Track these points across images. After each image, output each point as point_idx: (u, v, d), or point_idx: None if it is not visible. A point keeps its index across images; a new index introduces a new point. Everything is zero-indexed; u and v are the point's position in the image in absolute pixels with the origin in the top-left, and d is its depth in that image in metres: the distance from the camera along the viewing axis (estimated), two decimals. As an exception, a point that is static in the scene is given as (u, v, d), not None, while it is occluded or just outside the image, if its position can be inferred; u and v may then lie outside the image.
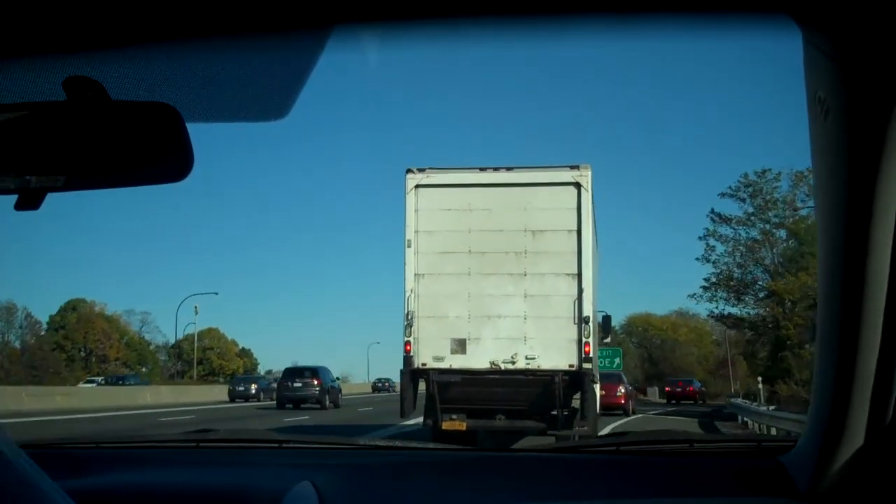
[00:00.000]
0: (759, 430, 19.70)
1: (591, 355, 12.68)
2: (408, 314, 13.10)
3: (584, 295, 12.67)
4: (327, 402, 31.87)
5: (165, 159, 1.36)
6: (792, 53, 1.26)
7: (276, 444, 2.38)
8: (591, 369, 12.75)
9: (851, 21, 1.07)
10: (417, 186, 13.24)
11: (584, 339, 12.60)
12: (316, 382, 31.95)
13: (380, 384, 70.06)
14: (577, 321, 12.66)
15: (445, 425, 12.69)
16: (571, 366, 12.59)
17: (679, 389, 40.64)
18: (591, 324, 12.75)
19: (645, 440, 2.35)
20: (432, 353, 12.98)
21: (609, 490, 1.90)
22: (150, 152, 1.35)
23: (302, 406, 31.54)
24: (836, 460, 1.47)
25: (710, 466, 2.03)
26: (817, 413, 1.53)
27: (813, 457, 1.56)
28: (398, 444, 2.51)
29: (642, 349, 74.44)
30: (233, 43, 1.15)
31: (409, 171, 13.37)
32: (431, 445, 2.52)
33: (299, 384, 31.86)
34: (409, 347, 13.01)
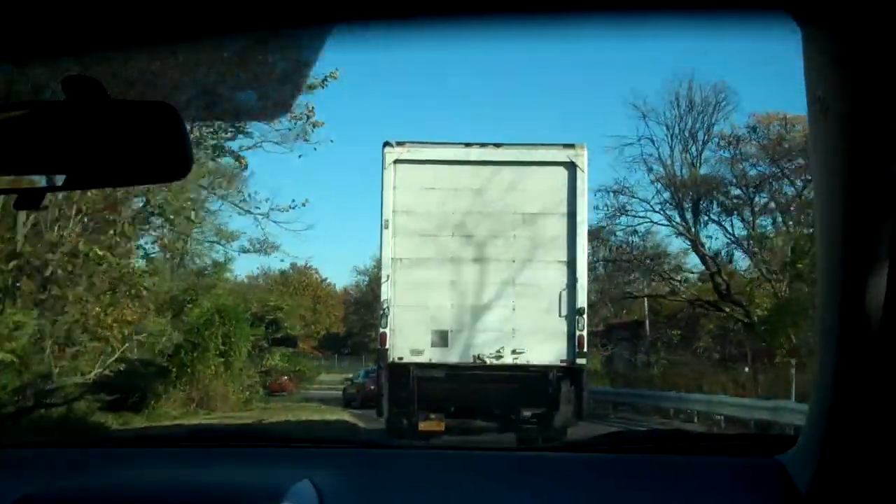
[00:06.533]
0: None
1: (585, 350, 11.70)
2: (383, 302, 11.80)
3: (578, 284, 11.66)
4: None
5: (165, 158, 1.36)
6: (792, 53, 1.26)
7: (276, 443, 2.38)
8: (586, 365, 11.87)
9: (851, 20, 1.07)
10: (396, 161, 11.72)
11: (577, 332, 11.58)
12: None
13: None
14: (570, 312, 11.62)
15: (422, 426, 11.42)
16: (563, 361, 11.61)
17: None
18: (584, 315, 11.76)
19: (642, 438, 2.35)
20: (410, 345, 11.71)
21: (606, 489, 1.89)
22: (150, 151, 1.35)
23: None
24: (836, 459, 1.47)
25: (709, 465, 2.02)
26: (817, 412, 1.53)
27: (813, 456, 1.56)
28: (398, 442, 2.51)
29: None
30: (233, 42, 1.15)
31: (386, 144, 11.76)
32: (431, 444, 2.53)
33: None
34: (384, 339, 11.70)
